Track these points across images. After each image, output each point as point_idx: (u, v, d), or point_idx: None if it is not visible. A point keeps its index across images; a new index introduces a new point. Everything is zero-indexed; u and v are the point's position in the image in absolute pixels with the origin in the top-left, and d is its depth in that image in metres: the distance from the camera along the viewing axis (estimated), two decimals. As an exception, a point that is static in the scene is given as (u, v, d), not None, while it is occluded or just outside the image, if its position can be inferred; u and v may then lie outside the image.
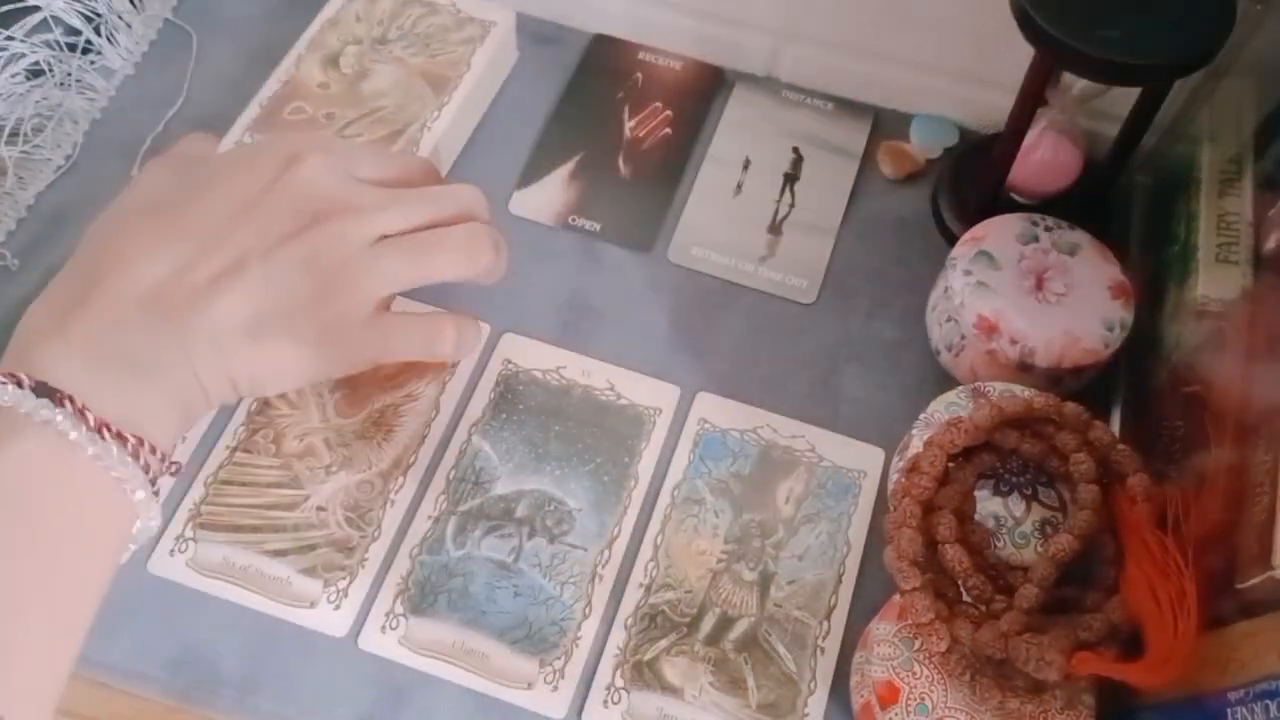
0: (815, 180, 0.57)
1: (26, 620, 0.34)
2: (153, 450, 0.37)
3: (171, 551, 0.45)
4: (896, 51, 0.56)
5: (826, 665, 0.43)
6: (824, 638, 0.44)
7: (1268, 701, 0.31)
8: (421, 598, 0.44)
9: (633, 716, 0.42)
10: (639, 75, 0.60)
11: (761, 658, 0.44)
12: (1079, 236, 0.48)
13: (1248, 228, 0.44)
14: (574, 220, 0.55)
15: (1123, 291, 0.47)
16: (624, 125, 0.58)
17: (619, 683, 0.43)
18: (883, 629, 0.40)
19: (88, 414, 0.36)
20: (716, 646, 0.44)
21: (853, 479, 0.48)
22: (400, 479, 0.47)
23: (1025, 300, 0.46)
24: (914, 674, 0.38)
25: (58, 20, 0.56)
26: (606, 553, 0.46)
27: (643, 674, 0.43)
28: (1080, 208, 0.51)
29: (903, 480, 0.42)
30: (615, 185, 0.56)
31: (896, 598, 0.40)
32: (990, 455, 0.42)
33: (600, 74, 0.60)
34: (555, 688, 0.43)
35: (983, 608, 0.39)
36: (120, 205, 0.43)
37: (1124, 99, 0.49)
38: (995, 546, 0.40)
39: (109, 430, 0.36)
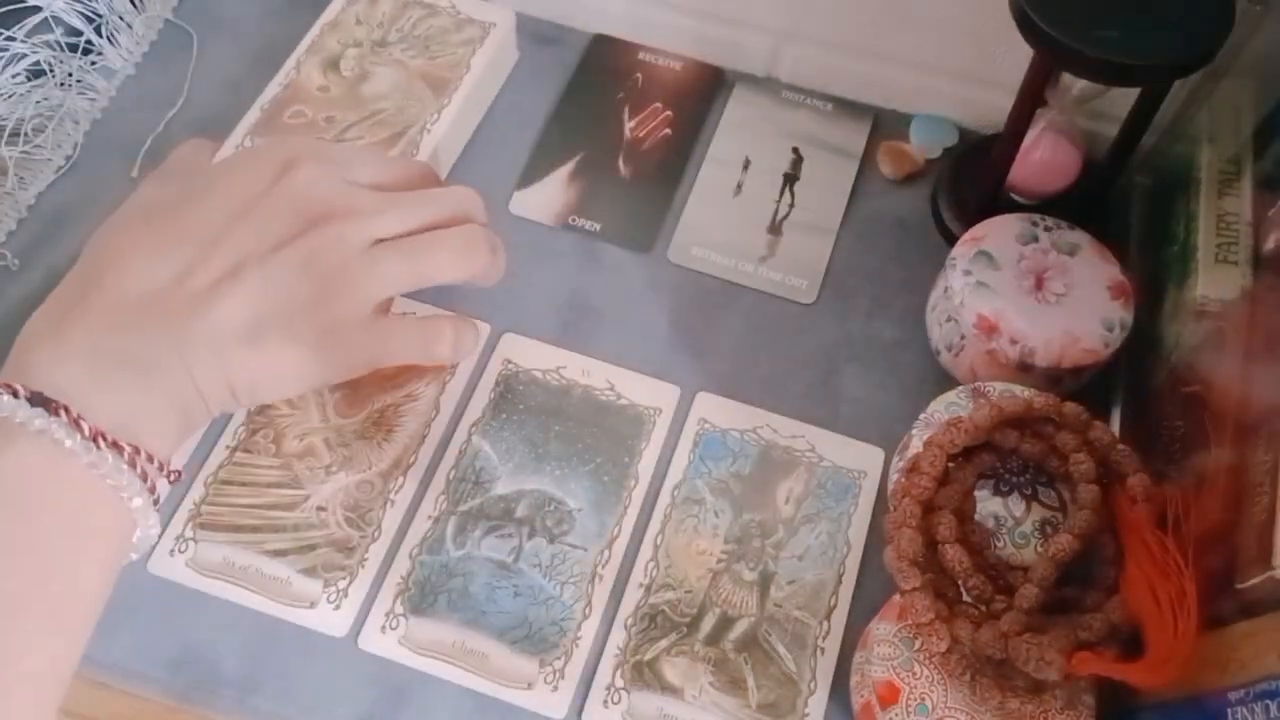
0: (815, 180, 0.57)
1: (26, 624, 0.34)
2: (150, 459, 0.38)
3: (171, 551, 0.45)
4: (896, 51, 0.56)
5: (826, 665, 0.43)
6: (824, 638, 0.44)
7: (1268, 701, 0.31)
8: (421, 598, 0.44)
9: (633, 716, 0.42)
10: (639, 75, 0.60)
11: (761, 658, 0.44)
12: (1079, 236, 0.48)
13: (1247, 228, 0.44)
14: (574, 220, 0.55)
15: (1122, 291, 0.47)
16: (624, 125, 0.58)
17: (619, 683, 0.43)
18: (883, 629, 0.40)
19: (83, 423, 0.36)
20: (716, 646, 0.44)
21: (853, 479, 0.48)
22: (400, 479, 0.47)
23: (1025, 300, 0.46)
24: (914, 674, 0.38)
25: (58, 20, 0.56)
26: (606, 553, 0.46)
27: (643, 674, 0.43)
28: (1080, 208, 0.51)
29: (903, 480, 0.42)
30: (615, 185, 0.56)
31: (896, 598, 0.40)
32: (990, 455, 0.43)
33: (600, 74, 0.60)
34: (555, 688, 0.43)
35: (983, 608, 0.39)
36: (118, 216, 0.43)
37: (1123, 99, 0.49)
38: (995, 546, 0.41)
39: (104, 439, 0.36)
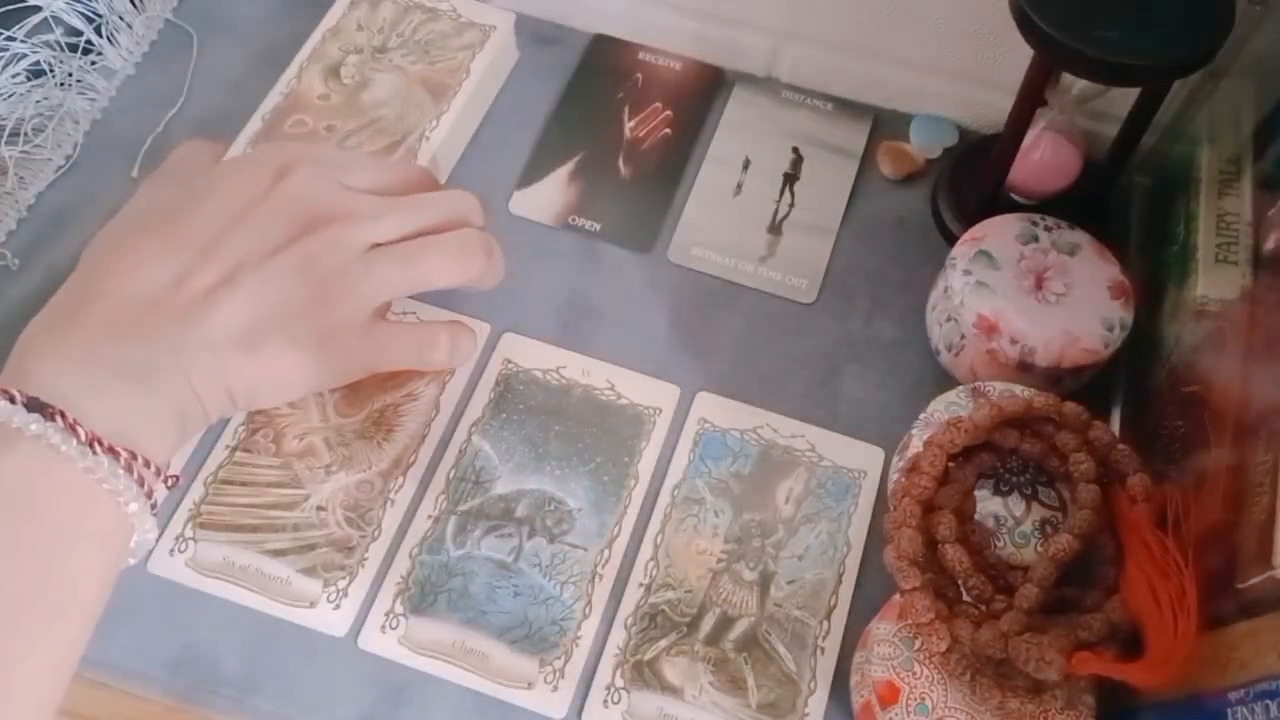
0: (815, 180, 0.57)
1: (25, 626, 0.34)
2: (147, 463, 0.38)
3: (171, 551, 0.45)
4: (896, 51, 0.56)
5: (826, 665, 0.43)
6: (824, 637, 0.44)
7: (1268, 701, 0.31)
8: (421, 597, 0.44)
9: (633, 716, 0.42)
10: (639, 75, 0.60)
11: (761, 658, 0.44)
12: (1079, 236, 0.48)
13: (1247, 228, 0.45)
14: (574, 220, 0.55)
15: (1122, 291, 0.47)
16: (624, 125, 0.58)
17: (619, 682, 0.43)
18: (883, 629, 0.40)
19: (79, 428, 0.36)
20: (716, 646, 0.44)
21: (853, 479, 0.48)
22: (400, 478, 0.47)
23: (1025, 300, 0.46)
24: (914, 674, 0.38)
25: (58, 20, 0.56)
26: (606, 552, 0.46)
27: (643, 674, 0.43)
28: (1080, 208, 0.51)
29: (903, 480, 0.42)
30: (615, 185, 0.56)
31: (896, 598, 0.40)
32: (990, 455, 0.43)
33: (600, 74, 0.60)
34: (555, 687, 0.43)
35: (983, 608, 0.39)
36: (116, 221, 0.43)
37: (1123, 99, 0.49)
38: (995, 546, 0.41)
39: (101, 444, 0.36)
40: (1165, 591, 0.35)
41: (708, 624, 0.44)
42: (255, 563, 0.45)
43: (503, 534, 0.46)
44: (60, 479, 0.36)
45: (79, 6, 0.57)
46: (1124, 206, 0.55)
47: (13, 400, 0.36)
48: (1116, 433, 0.46)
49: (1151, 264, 0.51)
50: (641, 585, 0.45)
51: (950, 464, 0.42)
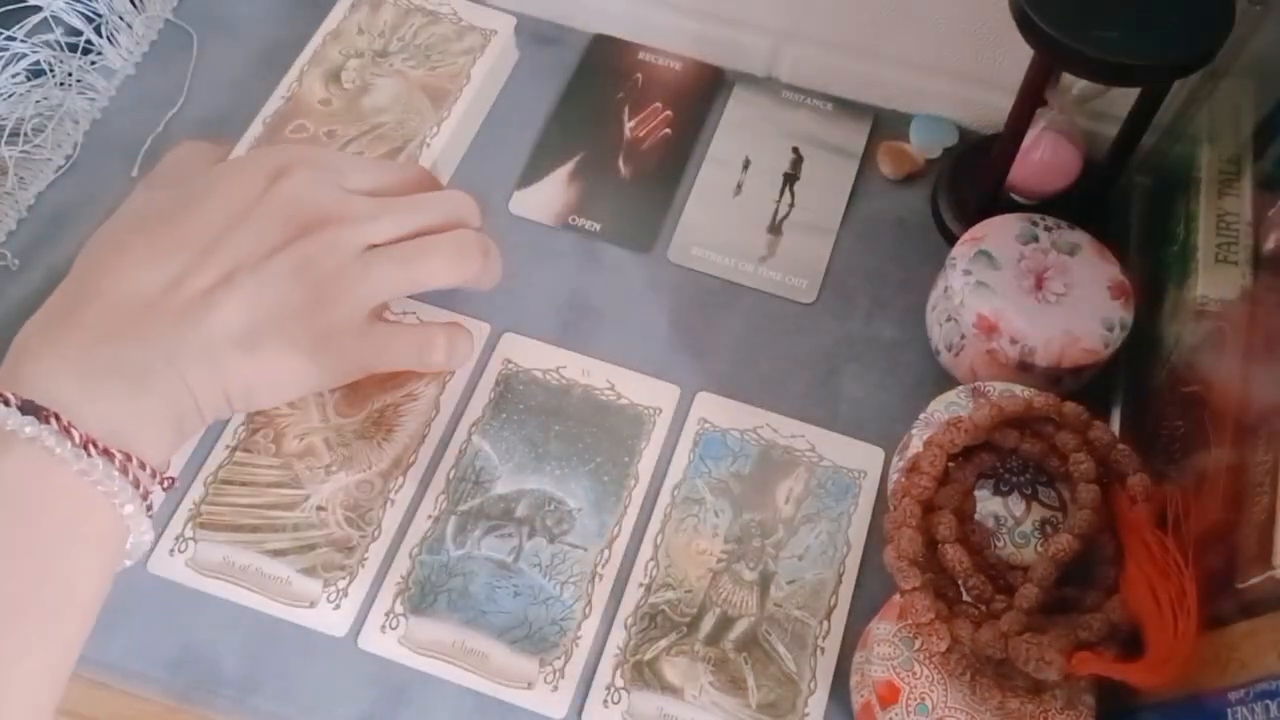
0: (815, 180, 0.57)
1: (22, 627, 0.34)
2: (142, 465, 0.37)
3: (171, 551, 0.45)
4: (896, 51, 0.56)
5: (826, 665, 0.43)
6: (824, 638, 0.44)
7: (1268, 701, 0.31)
8: (421, 597, 0.44)
9: (633, 716, 0.42)
10: (639, 75, 0.60)
11: (761, 658, 0.44)
12: (1079, 236, 0.48)
13: (1247, 228, 0.45)
14: (574, 220, 0.55)
15: (1122, 291, 0.47)
16: (624, 125, 0.58)
17: (619, 682, 0.43)
18: (883, 629, 0.40)
19: (74, 430, 0.36)
20: (716, 646, 0.44)
21: (853, 479, 0.48)
22: (400, 478, 0.47)
23: (1025, 300, 0.46)
24: (914, 674, 0.38)
25: (58, 20, 0.56)
26: (606, 552, 0.46)
27: (643, 674, 0.43)
28: (1080, 208, 0.51)
29: (903, 480, 0.42)
30: (615, 185, 0.56)
31: (896, 598, 0.40)
32: (990, 455, 0.43)
33: (600, 74, 0.60)
34: (555, 687, 0.43)
35: (983, 608, 0.39)
36: (112, 222, 0.43)
37: (1123, 99, 0.49)
38: (995, 546, 0.41)
39: (95, 446, 0.36)
40: (1165, 591, 0.35)
41: (708, 624, 0.44)
42: (255, 563, 0.45)
43: (503, 534, 0.46)
44: (56, 481, 0.36)
45: (79, 6, 0.57)
46: (1124, 206, 0.55)
47: (7, 403, 0.36)
48: (1116, 433, 0.46)
49: (1151, 264, 0.51)
50: (641, 585, 0.45)
51: (950, 464, 0.42)
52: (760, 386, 0.50)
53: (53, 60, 0.56)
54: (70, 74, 0.57)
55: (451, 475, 0.47)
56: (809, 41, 0.58)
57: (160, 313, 0.39)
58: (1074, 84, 0.48)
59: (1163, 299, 0.48)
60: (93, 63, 0.58)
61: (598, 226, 0.55)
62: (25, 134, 0.55)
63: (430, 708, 0.43)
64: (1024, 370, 0.46)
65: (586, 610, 0.44)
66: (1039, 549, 0.40)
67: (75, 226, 0.53)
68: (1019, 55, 0.46)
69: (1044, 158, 0.51)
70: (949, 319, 0.48)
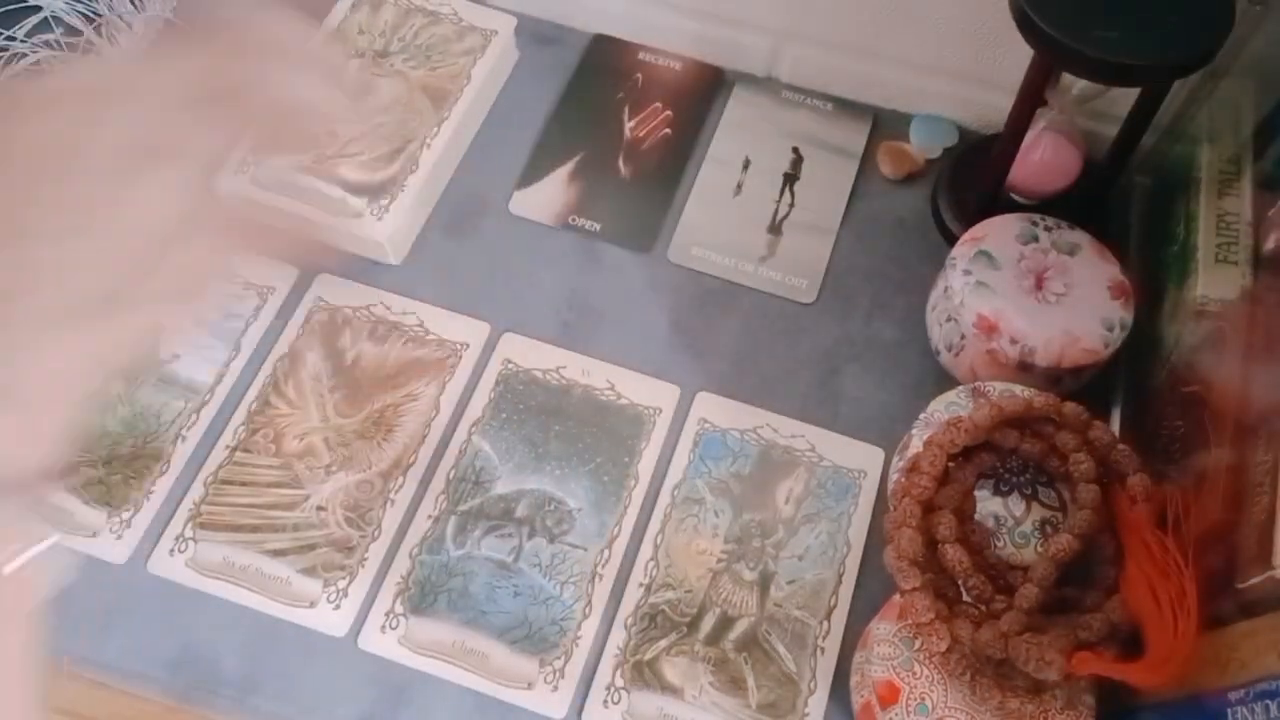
0: (815, 180, 0.57)
1: None
2: None
3: (171, 551, 0.45)
4: (896, 51, 0.56)
5: (826, 665, 0.43)
6: (824, 638, 0.44)
7: (1268, 701, 0.31)
8: (421, 597, 0.44)
9: (633, 716, 0.42)
10: (639, 75, 0.60)
11: (761, 657, 0.44)
12: (1079, 236, 0.48)
13: (1247, 228, 0.45)
14: (574, 220, 0.55)
15: (1122, 291, 0.47)
16: (624, 125, 0.58)
17: (619, 682, 0.43)
18: (883, 629, 0.40)
19: None
20: (716, 646, 0.44)
21: (853, 479, 0.48)
22: (400, 479, 0.47)
23: (1025, 300, 0.46)
24: (914, 674, 0.38)
25: (58, 20, 0.56)
26: (606, 552, 0.46)
27: (643, 674, 0.43)
28: (1080, 208, 0.51)
29: (903, 480, 0.42)
30: (615, 185, 0.56)
31: (896, 598, 0.40)
32: (990, 455, 0.42)
33: (600, 74, 0.60)
34: (555, 687, 0.43)
35: (983, 608, 0.39)
36: None
37: (1123, 99, 0.49)
38: (995, 546, 0.40)
39: None
40: (1165, 591, 0.35)
41: (708, 624, 0.44)
42: (255, 563, 0.45)
43: (503, 534, 0.46)
44: None
45: (79, 6, 0.57)
46: (1124, 206, 0.55)
47: None
48: (1116, 433, 0.46)
49: (1151, 264, 0.51)
50: (641, 585, 0.45)
51: (950, 464, 0.42)
52: (760, 386, 0.50)
53: (53, 60, 0.56)
54: (70, 74, 0.57)
55: (451, 475, 0.47)
56: (809, 41, 0.58)
57: None
58: (1074, 84, 0.48)
59: (1163, 299, 0.48)
60: (93, 63, 0.58)
61: (598, 226, 0.55)
62: (25, 134, 0.55)
63: (430, 708, 0.42)
64: (1024, 370, 0.46)
65: (586, 610, 0.44)
66: (1039, 549, 0.40)
67: (75, 226, 0.53)
68: (1019, 55, 0.46)
69: (1044, 158, 0.51)
70: (949, 319, 0.48)
